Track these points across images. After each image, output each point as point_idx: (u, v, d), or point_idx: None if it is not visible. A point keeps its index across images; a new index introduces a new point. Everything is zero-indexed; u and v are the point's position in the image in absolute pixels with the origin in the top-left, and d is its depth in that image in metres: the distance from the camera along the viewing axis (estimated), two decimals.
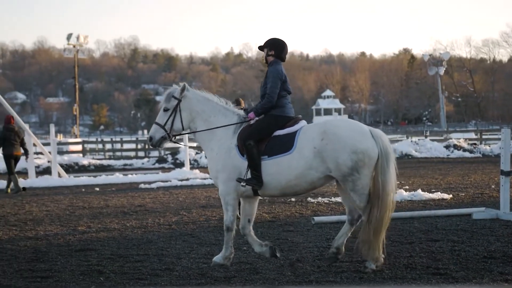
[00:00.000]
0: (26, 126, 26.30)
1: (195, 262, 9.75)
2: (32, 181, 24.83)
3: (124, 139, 66.22)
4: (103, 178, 26.36)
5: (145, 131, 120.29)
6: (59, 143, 43.56)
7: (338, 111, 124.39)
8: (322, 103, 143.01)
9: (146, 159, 38.56)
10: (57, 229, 13.45)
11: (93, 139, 65.81)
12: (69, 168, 34.27)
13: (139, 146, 45.85)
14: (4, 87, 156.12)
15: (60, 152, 38.63)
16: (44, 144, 28.99)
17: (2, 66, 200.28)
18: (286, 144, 9.23)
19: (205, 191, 20.07)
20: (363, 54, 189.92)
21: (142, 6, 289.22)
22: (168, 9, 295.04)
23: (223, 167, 9.43)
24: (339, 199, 17.03)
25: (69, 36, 59.69)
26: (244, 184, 9.26)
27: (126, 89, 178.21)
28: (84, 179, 25.90)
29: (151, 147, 10.81)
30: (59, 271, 9.33)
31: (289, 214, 14.81)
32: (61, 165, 30.01)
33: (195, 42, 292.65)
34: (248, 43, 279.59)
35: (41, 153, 31.93)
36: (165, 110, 9.72)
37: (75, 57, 60.44)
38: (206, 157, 9.96)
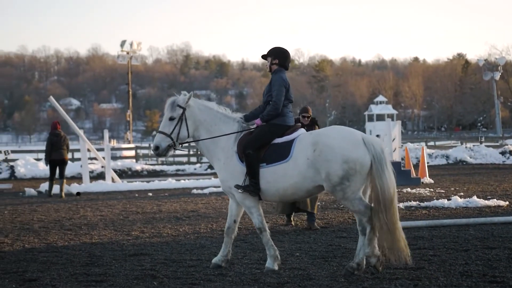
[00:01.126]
0: (80, 132, 26.61)
1: (248, 268, 9.73)
2: (86, 186, 25.12)
3: None
4: (156, 184, 26.54)
5: None
6: (113, 149, 43.97)
7: (390, 116, 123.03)
8: (375, 109, 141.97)
9: (198, 165, 38.78)
10: (111, 233, 13.57)
11: (146, 145, 66.25)
12: (122, 174, 34.61)
13: (191, 152, 46.02)
14: (59, 93, 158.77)
15: (114, 158, 39.01)
16: (98, 150, 29.27)
17: (57, 72, 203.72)
18: (283, 153, 9.36)
19: None
20: (416, 59, 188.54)
21: (195, 13, 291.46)
22: (220, 15, 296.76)
23: (232, 175, 9.58)
24: None
25: (122, 43, 60.32)
26: (242, 191, 9.40)
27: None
28: (137, 184, 26.12)
29: (156, 156, 10.89)
30: (113, 276, 9.39)
31: (342, 220, 14.72)
32: (115, 171, 30.31)
33: (247, 48, 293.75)
34: (300, 48, 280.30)
35: (95, 159, 32.28)
36: (171, 119, 9.79)
37: (129, 64, 61.06)
38: (213, 167, 10.10)
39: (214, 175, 32.43)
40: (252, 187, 9.37)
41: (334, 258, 10.28)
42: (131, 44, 60.79)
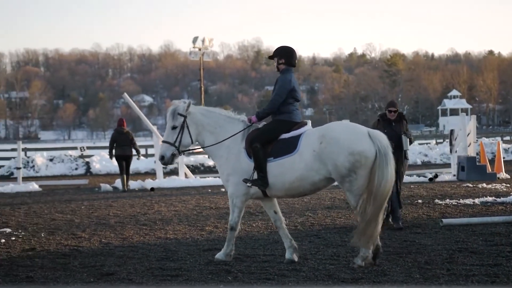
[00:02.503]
0: (154, 128, 26.96)
1: (321, 263, 9.72)
2: (160, 181, 25.40)
3: None
4: None
5: None
6: None
7: (465, 111, 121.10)
8: (448, 103, 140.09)
9: None
10: (185, 229, 13.70)
11: None
12: (195, 169, 34.87)
13: None
14: (132, 90, 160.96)
15: (187, 154, 39.32)
16: None
17: (130, 70, 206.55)
18: (290, 146, 9.69)
19: (330, 193, 19.98)
20: (491, 52, 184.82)
21: (266, 8, 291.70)
22: (290, 10, 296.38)
23: (234, 171, 9.94)
24: (467, 201, 16.64)
25: (194, 40, 60.73)
26: (250, 184, 9.73)
27: (249, 91, 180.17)
28: (210, 180, 26.28)
29: (163, 165, 11.29)
30: (188, 270, 9.49)
31: (416, 216, 14.56)
32: (188, 166, 30.58)
33: (318, 43, 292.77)
34: (372, 43, 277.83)
35: None
36: (174, 128, 10.15)
37: (201, 60, 61.54)
38: (215, 164, 10.50)
39: None
40: (260, 181, 9.70)
41: (408, 254, 10.18)
42: (203, 41, 61.14)
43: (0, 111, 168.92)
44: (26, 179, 30.53)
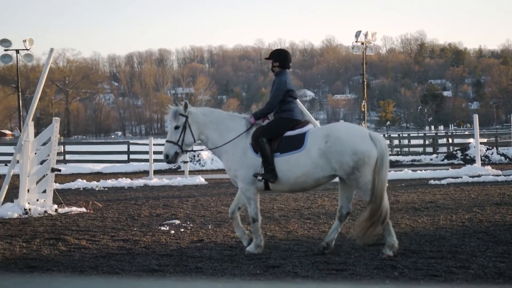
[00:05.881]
0: (317, 123, 26.98)
1: (491, 261, 9.41)
2: None
3: (411, 135, 65.95)
4: (392, 174, 26.33)
5: (432, 127, 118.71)
6: None
7: None
8: None
9: (434, 155, 38.04)
10: (349, 223, 13.50)
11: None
12: None
13: (427, 142, 45.35)
14: (295, 85, 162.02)
15: None
16: None
17: (292, 64, 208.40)
18: (297, 143, 10.26)
19: (499, 188, 19.34)
20: None
21: (429, 1, 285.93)
22: (455, 3, 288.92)
23: (241, 166, 10.47)
24: None
25: (357, 34, 60.24)
26: (261, 178, 10.26)
27: (412, 85, 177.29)
28: None
29: (167, 163, 11.94)
30: (353, 265, 9.46)
31: None
32: None
33: (485, 34, 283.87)
34: None
35: None
36: (176, 127, 10.71)
37: (363, 54, 61.02)
38: (221, 160, 10.96)
39: (452, 165, 31.73)
40: (270, 174, 10.24)
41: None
42: (365, 35, 60.60)
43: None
44: (192, 172, 31.50)
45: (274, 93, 10.68)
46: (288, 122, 10.56)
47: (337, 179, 10.59)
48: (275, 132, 10.46)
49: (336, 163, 10.00)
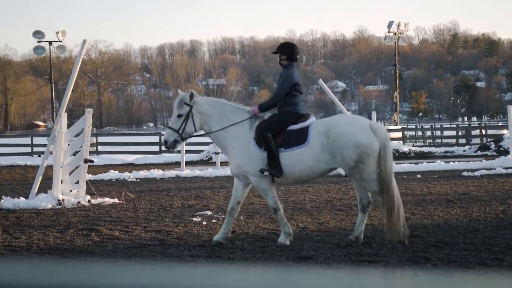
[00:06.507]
0: (348, 114, 26.91)
1: None
2: None
3: (444, 126, 65.51)
4: (425, 165, 26.22)
5: (465, 118, 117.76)
6: None
7: None
8: None
9: (467, 147, 37.71)
10: (380, 214, 13.35)
11: (412, 126, 65.71)
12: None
13: (459, 133, 44.97)
14: (325, 76, 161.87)
15: None
16: None
17: (323, 56, 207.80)
18: (300, 138, 10.37)
19: None
20: None
21: None
22: None
23: (247, 161, 10.51)
24: None
25: (390, 24, 59.92)
26: (267, 173, 10.31)
27: (445, 76, 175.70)
28: (405, 166, 25.98)
29: (166, 149, 12.20)
30: (385, 256, 9.43)
31: None
32: None
33: None
34: None
35: None
36: (179, 116, 10.78)
37: (396, 45, 60.66)
38: (225, 154, 11.01)
39: (485, 157, 31.44)
40: (276, 168, 10.30)
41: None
42: (398, 25, 60.31)
43: None
44: (224, 163, 31.50)
45: (281, 86, 10.75)
46: (292, 117, 10.64)
47: None
48: (279, 126, 10.56)
49: (340, 157, 10.17)
